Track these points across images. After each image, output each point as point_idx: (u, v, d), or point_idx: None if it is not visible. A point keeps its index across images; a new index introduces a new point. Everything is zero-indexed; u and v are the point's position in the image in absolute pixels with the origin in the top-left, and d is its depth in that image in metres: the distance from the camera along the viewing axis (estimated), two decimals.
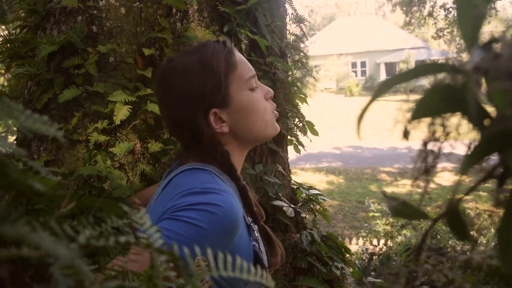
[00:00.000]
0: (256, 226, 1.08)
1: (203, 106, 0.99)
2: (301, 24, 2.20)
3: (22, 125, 0.38)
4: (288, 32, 2.21)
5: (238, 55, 1.05)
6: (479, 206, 7.21)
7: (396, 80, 0.35)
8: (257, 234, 1.08)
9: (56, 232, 0.39)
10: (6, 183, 0.37)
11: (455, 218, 0.36)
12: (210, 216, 0.86)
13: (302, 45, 2.30)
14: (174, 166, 1.11)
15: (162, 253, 0.42)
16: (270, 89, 1.10)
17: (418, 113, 0.34)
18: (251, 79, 1.04)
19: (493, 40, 0.36)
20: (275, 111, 1.11)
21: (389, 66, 31.38)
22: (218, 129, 1.01)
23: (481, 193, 7.71)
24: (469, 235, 0.36)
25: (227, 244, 0.90)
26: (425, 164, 0.40)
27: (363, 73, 33.59)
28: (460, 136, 0.37)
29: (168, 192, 0.96)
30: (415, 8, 17.35)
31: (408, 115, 0.35)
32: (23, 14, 1.80)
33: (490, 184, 0.42)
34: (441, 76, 0.35)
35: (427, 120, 0.36)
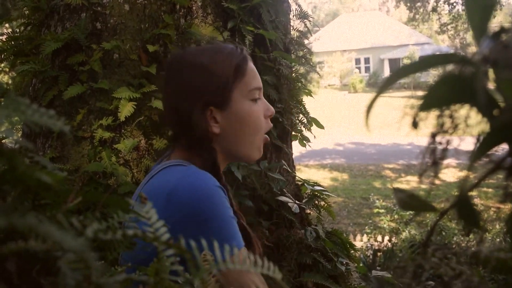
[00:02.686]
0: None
1: (202, 101, 1.01)
2: (305, 20, 2.19)
3: (29, 119, 0.38)
4: (292, 28, 2.20)
5: (250, 65, 1.08)
6: (484, 202, 7.18)
7: (405, 70, 0.35)
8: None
9: (63, 226, 0.40)
10: (14, 176, 0.37)
11: (465, 207, 0.36)
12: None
13: (306, 41, 2.29)
14: (161, 159, 1.12)
15: (169, 246, 0.42)
16: (272, 108, 1.11)
17: (426, 104, 0.34)
18: (255, 90, 1.06)
19: (502, 30, 0.36)
20: (266, 136, 1.11)
21: (393, 62, 31.25)
22: (209, 127, 1.03)
23: (486, 189, 7.69)
24: (480, 224, 0.36)
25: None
26: (433, 157, 0.40)
27: (367, 69, 33.46)
28: (469, 128, 0.36)
29: (153, 188, 0.97)
30: (419, 4, 17.27)
31: (417, 106, 0.34)
32: (27, 11, 1.80)
33: (495, 180, 0.41)
34: (449, 67, 0.35)
35: (436, 111, 0.36)
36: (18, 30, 1.91)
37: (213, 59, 1.03)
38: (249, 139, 1.07)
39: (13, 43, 1.78)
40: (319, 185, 2.14)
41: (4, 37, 1.80)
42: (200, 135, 1.02)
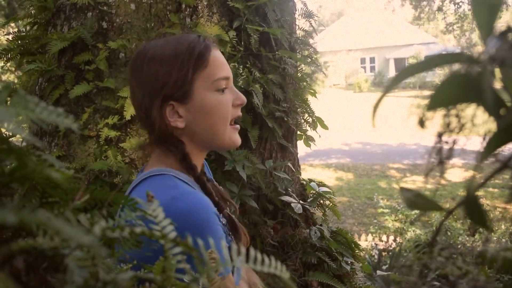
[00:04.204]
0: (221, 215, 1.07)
1: (162, 96, 0.98)
2: (310, 19, 2.19)
3: (38, 117, 0.38)
4: (297, 27, 2.20)
5: (215, 54, 1.03)
6: (490, 202, 7.15)
7: (412, 70, 0.35)
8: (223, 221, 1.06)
9: (72, 223, 0.40)
10: (23, 174, 0.37)
11: (473, 206, 0.36)
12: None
13: (311, 40, 2.29)
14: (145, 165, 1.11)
15: (177, 244, 0.42)
16: (243, 97, 1.06)
17: (433, 103, 0.34)
18: (220, 80, 1.01)
19: (509, 30, 0.36)
20: (236, 125, 1.07)
21: (399, 62, 31.14)
22: (172, 123, 1.00)
23: (491, 189, 7.65)
24: (488, 223, 0.36)
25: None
26: (439, 156, 0.40)
27: (372, 69, 33.35)
28: (475, 127, 0.36)
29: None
30: (424, 3, 17.20)
31: (424, 105, 0.34)
32: (33, 11, 1.81)
33: (501, 181, 0.41)
34: (455, 66, 0.35)
35: (442, 111, 0.36)
36: (24, 29, 1.92)
37: (173, 51, 0.99)
38: (216, 129, 1.02)
39: (19, 42, 1.79)
40: (325, 185, 2.14)
41: (10, 36, 1.81)
42: (159, 132, 0.99)
